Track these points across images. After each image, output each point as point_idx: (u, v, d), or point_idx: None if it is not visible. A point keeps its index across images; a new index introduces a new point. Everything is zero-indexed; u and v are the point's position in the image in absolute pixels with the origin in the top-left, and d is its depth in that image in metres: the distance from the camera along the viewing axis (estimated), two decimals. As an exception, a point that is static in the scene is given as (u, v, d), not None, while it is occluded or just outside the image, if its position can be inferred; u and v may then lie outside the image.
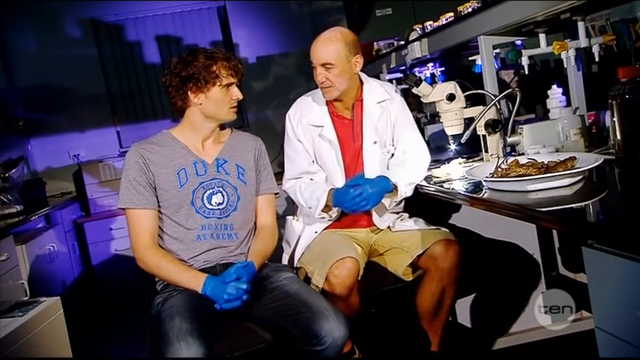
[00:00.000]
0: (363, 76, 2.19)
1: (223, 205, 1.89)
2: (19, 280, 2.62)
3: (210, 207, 1.87)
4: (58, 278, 3.33)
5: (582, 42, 2.03)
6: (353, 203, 1.93)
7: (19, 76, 4.15)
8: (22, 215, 3.11)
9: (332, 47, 2.03)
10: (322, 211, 2.05)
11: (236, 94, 1.87)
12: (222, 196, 1.89)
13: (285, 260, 2.17)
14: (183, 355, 1.50)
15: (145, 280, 1.92)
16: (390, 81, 3.10)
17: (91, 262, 3.85)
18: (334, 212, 2.10)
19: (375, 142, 2.13)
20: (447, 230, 2.05)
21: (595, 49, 2.03)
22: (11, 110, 3.94)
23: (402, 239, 2.05)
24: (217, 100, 1.85)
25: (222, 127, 1.97)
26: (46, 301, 2.27)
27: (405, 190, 2.02)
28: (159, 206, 1.85)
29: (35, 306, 2.21)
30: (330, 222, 2.13)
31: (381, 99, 2.16)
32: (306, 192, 2.09)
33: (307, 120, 2.15)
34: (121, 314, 3.62)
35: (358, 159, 2.14)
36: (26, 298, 2.51)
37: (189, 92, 1.83)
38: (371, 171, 2.08)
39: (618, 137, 1.57)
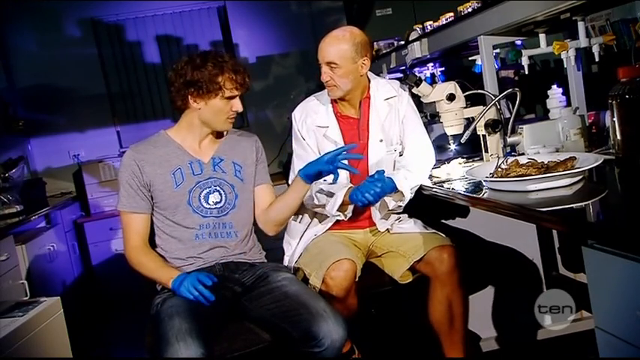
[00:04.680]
0: (371, 74, 2.17)
1: (221, 204, 1.89)
2: (19, 280, 2.62)
3: (208, 206, 1.87)
4: (58, 278, 3.33)
5: (582, 42, 2.02)
6: (372, 187, 1.88)
7: (19, 76, 4.15)
8: (22, 215, 3.11)
9: (338, 47, 2.01)
10: (338, 209, 2.01)
11: (236, 106, 1.86)
12: (220, 194, 1.89)
13: (286, 262, 2.16)
14: (183, 355, 1.50)
15: (145, 280, 1.91)
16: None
17: (91, 262, 3.85)
18: (349, 212, 2.08)
19: (382, 141, 2.11)
20: (443, 235, 2.03)
21: (595, 49, 2.03)
22: (11, 110, 3.94)
23: (399, 243, 2.04)
24: (216, 109, 1.83)
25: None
26: (46, 301, 2.27)
27: (409, 195, 2.01)
28: (155, 207, 1.86)
29: (35, 306, 2.21)
30: (333, 223, 2.11)
31: (388, 96, 2.14)
32: (318, 189, 2.06)
33: (312, 120, 2.14)
34: (121, 314, 3.62)
35: (363, 157, 2.13)
36: (26, 298, 2.51)
37: (189, 96, 1.82)
38: (376, 169, 2.06)
39: (618, 137, 1.56)
